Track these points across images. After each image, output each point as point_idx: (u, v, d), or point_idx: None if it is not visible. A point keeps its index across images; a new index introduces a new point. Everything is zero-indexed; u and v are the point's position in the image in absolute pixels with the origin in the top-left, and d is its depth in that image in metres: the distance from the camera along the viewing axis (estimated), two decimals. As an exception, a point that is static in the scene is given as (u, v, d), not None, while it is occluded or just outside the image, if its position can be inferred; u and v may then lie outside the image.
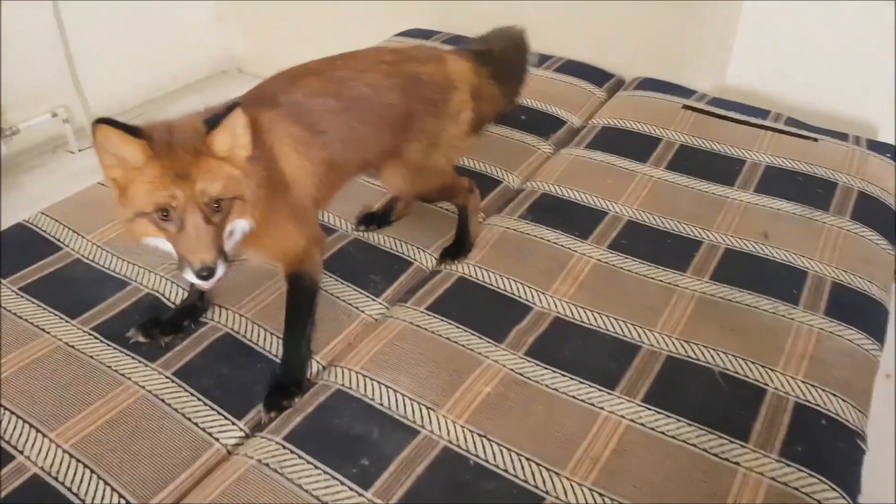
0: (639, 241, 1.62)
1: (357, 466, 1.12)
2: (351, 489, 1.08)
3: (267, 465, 1.12)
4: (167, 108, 3.22)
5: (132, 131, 1.07)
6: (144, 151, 1.07)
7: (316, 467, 1.12)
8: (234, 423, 1.21)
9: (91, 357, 1.31)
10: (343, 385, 1.26)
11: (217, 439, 1.19)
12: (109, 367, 1.29)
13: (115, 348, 1.33)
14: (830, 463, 1.14)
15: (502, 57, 1.66)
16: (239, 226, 1.17)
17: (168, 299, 1.44)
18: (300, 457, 1.13)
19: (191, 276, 1.10)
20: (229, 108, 1.11)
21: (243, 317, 1.40)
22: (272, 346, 1.34)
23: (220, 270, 1.10)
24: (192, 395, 1.24)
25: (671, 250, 1.59)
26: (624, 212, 1.71)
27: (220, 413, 1.22)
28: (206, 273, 1.09)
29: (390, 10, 2.92)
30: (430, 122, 1.45)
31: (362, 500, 1.07)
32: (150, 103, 3.24)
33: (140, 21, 3.08)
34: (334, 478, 1.10)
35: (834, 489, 1.10)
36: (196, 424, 1.20)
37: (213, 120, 1.11)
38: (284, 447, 1.15)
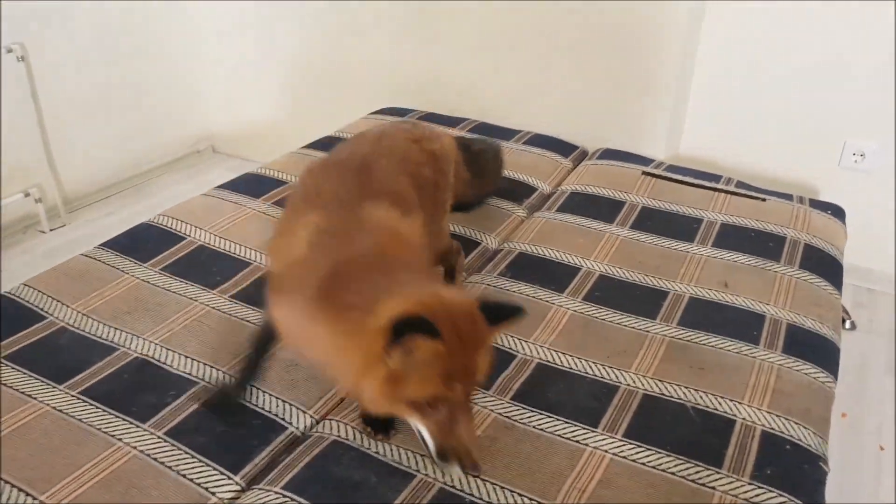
0: (610, 292, 1.74)
1: (356, 511, 1.16)
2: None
3: (268, 514, 1.16)
4: (141, 188, 3.32)
5: (433, 331, 1.00)
6: (439, 352, 1.02)
7: (316, 514, 1.15)
8: (230, 478, 1.24)
9: (80, 420, 1.32)
10: (339, 436, 1.31)
11: (213, 493, 1.21)
12: (100, 429, 1.31)
13: (104, 410, 1.35)
14: (797, 483, 1.23)
15: (478, 154, 1.90)
16: None
17: (158, 361, 1.48)
18: (300, 503, 1.17)
19: (455, 471, 1.10)
20: (516, 310, 1.12)
21: (234, 377, 1.43)
22: (266, 403, 1.39)
23: (480, 470, 1.10)
24: (186, 452, 1.27)
25: (641, 300, 1.71)
26: (595, 267, 1.84)
27: (215, 468, 1.25)
28: (476, 471, 1.08)
29: (363, 89, 3.12)
30: (443, 191, 1.62)
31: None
32: (123, 182, 3.31)
33: (115, 99, 3.16)
34: (334, 525, 1.14)
35: (801, 507, 1.19)
36: (191, 480, 1.22)
37: (497, 314, 1.09)
38: (284, 496, 1.18)
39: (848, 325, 2.46)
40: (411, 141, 1.57)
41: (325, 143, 2.44)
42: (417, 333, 1.00)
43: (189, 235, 1.91)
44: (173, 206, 2.06)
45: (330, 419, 1.36)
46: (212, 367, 1.47)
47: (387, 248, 1.22)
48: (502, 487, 1.21)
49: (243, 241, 1.88)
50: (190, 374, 1.46)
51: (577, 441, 1.31)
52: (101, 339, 1.55)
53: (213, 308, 1.64)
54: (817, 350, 1.57)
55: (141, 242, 1.87)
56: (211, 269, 1.78)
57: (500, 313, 1.11)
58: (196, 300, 1.66)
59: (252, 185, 2.17)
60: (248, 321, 1.60)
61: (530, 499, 1.19)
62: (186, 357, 1.49)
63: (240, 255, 1.84)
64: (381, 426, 1.30)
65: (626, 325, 1.62)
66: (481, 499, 1.19)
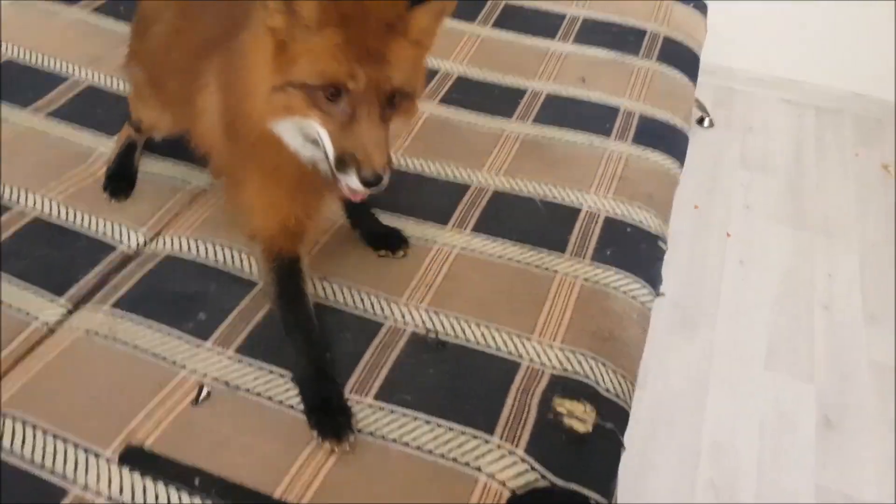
0: (469, 94, 1.66)
1: (194, 321, 1.11)
2: (189, 342, 1.08)
3: (96, 333, 1.09)
4: None
5: None
6: (329, 10, 0.86)
7: (150, 328, 1.10)
8: (52, 301, 1.16)
9: None
10: (173, 251, 1.23)
11: (36, 318, 1.13)
12: None
13: None
14: (634, 261, 1.28)
15: None
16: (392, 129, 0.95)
17: None
18: (132, 320, 1.11)
19: (353, 181, 0.90)
20: None
21: (53, 200, 1.31)
22: (91, 224, 1.28)
23: (385, 181, 0.91)
24: (2, 279, 1.17)
25: (499, 100, 1.65)
26: (454, 69, 1.74)
27: (36, 291, 1.16)
28: (375, 181, 0.89)
29: None
30: None
31: (201, 350, 1.08)
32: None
33: None
34: (170, 334, 1.09)
35: (637, 281, 1.24)
36: (10, 306, 1.14)
37: None
38: (114, 315, 1.12)
39: (707, 123, 2.53)
40: None
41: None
42: None
43: (-12, 48, 1.65)
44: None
45: (164, 235, 1.28)
46: (27, 190, 1.32)
47: None
48: (349, 287, 1.19)
49: (57, 53, 1.64)
50: (2, 199, 1.31)
51: (426, 239, 1.29)
52: None
53: (28, 127, 1.46)
54: (666, 139, 1.59)
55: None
56: (21, 85, 1.55)
57: None
58: (6, 120, 1.47)
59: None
60: (67, 139, 1.44)
61: (376, 296, 1.18)
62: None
63: (55, 70, 1.61)
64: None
65: (481, 126, 1.57)
66: (326, 298, 1.18)
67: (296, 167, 1.01)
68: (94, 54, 1.64)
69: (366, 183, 0.89)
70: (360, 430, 0.99)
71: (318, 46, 0.87)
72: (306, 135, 0.95)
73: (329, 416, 0.98)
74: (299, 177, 1.03)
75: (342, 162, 0.90)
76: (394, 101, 0.91)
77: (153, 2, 1.25)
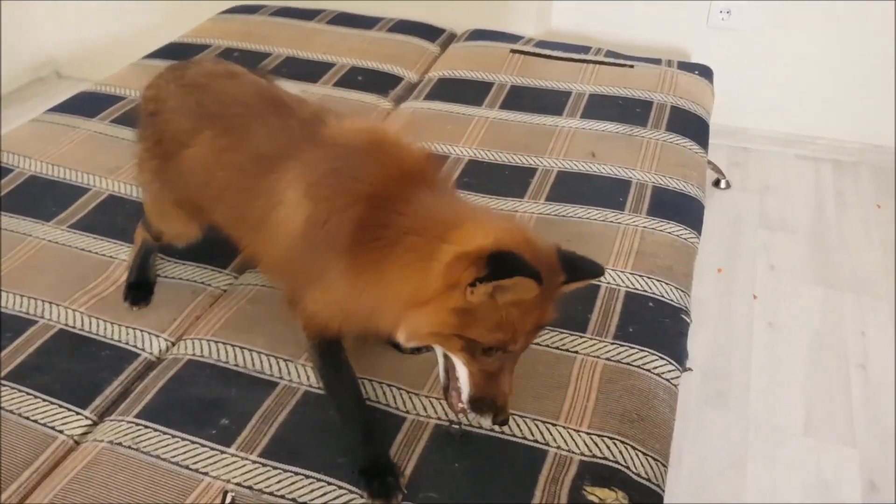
0: (480, 177, 1.69)
1: (217, 427, 1.11)
2: (213, 449, 1.07)
3: (120, 444, 1.09)
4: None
5: (535, 276, 0.86)
6: (532, 300, 0.90)
7: (174, 437, 1.09)
8: (78, 413, 1.17)
9: None
10: (194, 355, 1.24)
11: (61, 432, 1.14)
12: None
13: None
14: (658, 337, 1.25)
15: None
16: None
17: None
18: (156, 430, 1.11)
19: (486, 422, 1.01)
20: (596, 269, 1.00)
21: (77, 311, 1.34)
22: (114, 333, 1.30)
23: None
24: (29, 393, 1.18)
25: (510, 181, 1.67)
26: (464, 153, 1.78)
27: (61, 406, 1.17)
28: (505, 423, 0.99)
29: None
30: None
31: (225, 456, 1.06)
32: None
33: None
34: (194, 442, 1.08)
35: (662, 358, 1.21)
36: (35, 421, 1.14)
37: (575, 268, 0.96)
38: (138, 424, 1.12)
39: (723, 184, 2.53)
40: None
41: (170, 51, 2.23)
42: (518, 274, 0.86)
43: (18, 166, 1.72)
44: (-3, 138, 1.85)
45: (185, 339, 1.29)
46: (51, 303, 1.35)
47: (389, 163, 1.04)
48: (371, 381, 1.18)
49: (79, 165, 1.71)
50: (28, 314, 1.33)
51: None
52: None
53: (50, 241, 1.50)
54: (681, 209, 1.59)
55: (-37, 182, 1.68)
56: (45, 200, 1.62)
57: (578, 267, 0.97)
58: (30, 234, 1.52)
59: (86, 104, 1.96)
60: (88, 251, 1.48)
61: (399, 388, 1.17)
62: (23, 296, 1.37)
63: (76, 182, 1.67)
64: None
65: (495, 208, 1.58)
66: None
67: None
68: (113, 164, 1.70)
69: (497, 423, 0.97)
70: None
71: (501, 319, 0.90)
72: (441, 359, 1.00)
73: (378, 477, 1.02)
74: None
75: (479, 404, 0.96)
76: None
77: (178, 124, 1.24)
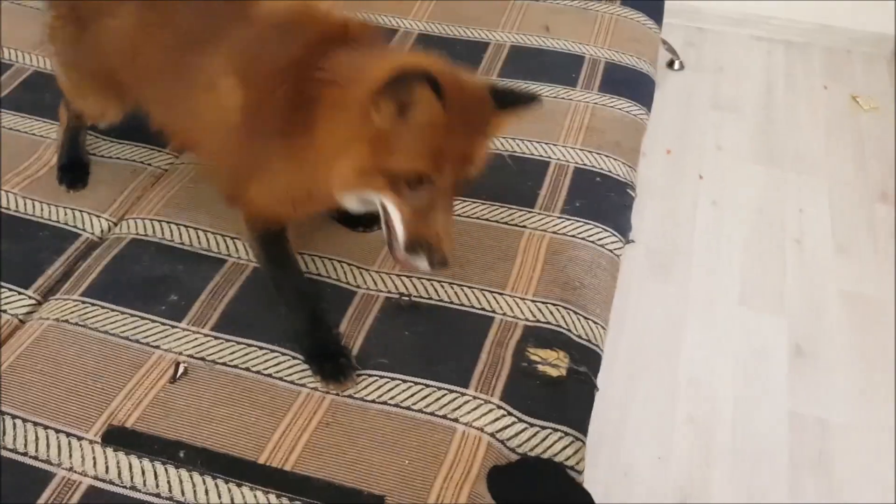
0: (430, 51, 1.64)
1: (166, 304, 1.11)
2: (163, 324, 1.08)
3: (67, 321, 1.08)
4: None
5: (438, 90, 0.85)
6: (439, 119, 0.87)
7: (122, 313, 1.09)
8: (21, 293, 1.15)
9: None
10: (138, 234, 1.22)
11: (4, 311, 1.12)
12: None
13: None
14: (603, 211, 1.28)
15: None
16: None
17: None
18: (103, 307, 1.10)
19: (423, 264, 0.94)
20: (532, 97, 0.97)
21: (10, 192, 1.29)
22: (52, 214, 1.26)
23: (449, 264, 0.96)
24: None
25: (461, 55, 1.62)
26: (413, 26, 1.71)
27: (2, 286, 1.15)
28: (444, 264, 0.94)
29: None
30: None
31: (176, 330, 1.07)
32: None
33: None
34: (144, 318, 1.09)
35: (606, 230, 1.25)
36: (-23, 302, 1.12)
37: (508, 98, 0.95)
38: (84, 302, 1.11)
39: (677, 65, 2.51)
40: None
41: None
42: (413, 82, 0.85)
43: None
44: None
45: (127, 219, 1.26)
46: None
47: (312, 32, 1.01)
48: (322, 258, 1.19)
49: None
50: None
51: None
52: None
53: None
54: (632, 85, 1.58)
55: None
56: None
57: (513, 98, 0.96)
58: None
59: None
60: (16, 130, 1.41)
61: (349, 264, 1.18)
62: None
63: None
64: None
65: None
66: (307, 269, 1.17)
67: (321, 200, 1.03)
68: (36, 38, 1.58)
69: (433, 265, 0.94)
70: (338, 394, 1.01)
71: (418, 144, 0.89)
72: (366, 201, 0.98)
73: (329, 361, 1.03)
74: (319, 203, 1.07)
75: (414, 245, 0.94)
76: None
77: None
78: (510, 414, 0.99)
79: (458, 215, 1.25)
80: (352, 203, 1.01)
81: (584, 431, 1.01)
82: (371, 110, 0.88)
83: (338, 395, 1.01)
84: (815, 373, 1.69)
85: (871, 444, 1.57)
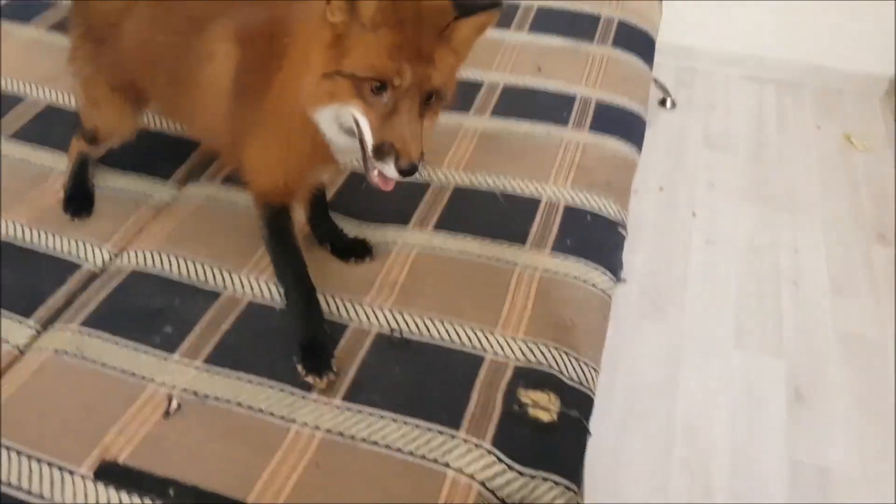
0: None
1: (160, 335, 1.13)
2: (156, 356, 1.10)
3: (65, 352, 1.10)
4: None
5: None
6: (387, 11, 0.92)
7: (117, 344, 1.11)
8: (21, 322, 1.17)
9: None
10: (138, 266, 1.24)
11: (7, 341, 1.15)
12: None
13: None
14: (594, 249, 1.30)
15: None
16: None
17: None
18: (99, 338, 1.12)
19: (390, 169, 0.95)
20: (493, 4, 0.98)
21: (17, 223, 1.32)
22: (55, 244, 1.29)
23: (419, 171, 0.97)
24: (-32, 305, 1.18)
25: (455, 94, 1.67)
26: (410, 67, 1.76)
27: (4, 316, 1.17)
28: (410, 170, 0.95)
29: None
30: None
31: (167, 363, 1.09)
32: None
33: None
34: (136, 349, 1.11)
35: (597, 269, 1.27)
36: (-20, 331, 1.14)
37: (469, 7, 0.97)
38: (81, 332, 1.13)
39: (669, 104, 2.56)
40: None
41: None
42: None
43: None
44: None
45: (128, 251, 1.29)
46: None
47: None
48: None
49: (14, 74, 1.65)
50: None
51: (387, 242, 1.31)
52: None
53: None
54: (623, 125, 1.62)
55: None
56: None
57: (471, 4, 0.97)
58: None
59: (19, 9, 1.86)
60: (27, 161, 1.45)
61: (341, 298, 1.20)
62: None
63: (12, 92, 1.61)
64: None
65: (439, 123, 1.56)
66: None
67: (309, 145, 1.08)
68: (50, 73, 1.64)
69: (402, 172, 0.95)
70: (328, 431, 1.01)
71: (372, 43, 0.93)
72: (342, 124, 1.01)
73: (314, 353, 1.09)
74: (309, 153, 1.10)
75: (381, 150, 0.96)
76: (429, 101, 0.98)
77: (107, 5, 1.26)
78: (501, 461, 0.99)
79: (450, 251, 1.28)
80: (331, 130, 1.03)
81: (577, 480, 1.01)
82: (326, 12, 0.94)
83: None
84: (815, 418, 1.68)
85: (872, 495, 1.56)
